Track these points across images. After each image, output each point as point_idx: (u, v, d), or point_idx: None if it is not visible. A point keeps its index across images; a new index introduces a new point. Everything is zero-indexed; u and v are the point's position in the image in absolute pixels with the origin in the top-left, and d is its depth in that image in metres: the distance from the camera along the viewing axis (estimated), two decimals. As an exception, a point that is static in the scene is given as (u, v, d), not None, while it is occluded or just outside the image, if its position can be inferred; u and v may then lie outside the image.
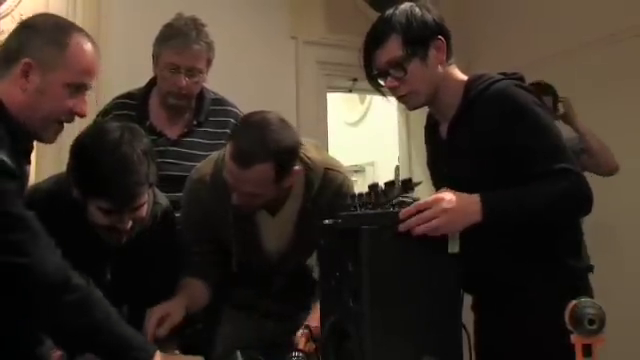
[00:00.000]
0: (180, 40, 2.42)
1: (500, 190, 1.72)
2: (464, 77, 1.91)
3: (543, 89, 3.38)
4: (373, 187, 1.70)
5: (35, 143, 1.79)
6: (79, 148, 1.89)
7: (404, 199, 1.67)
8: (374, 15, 4.46)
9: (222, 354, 2.12)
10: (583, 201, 1.77)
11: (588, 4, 3.95)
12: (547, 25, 4.16)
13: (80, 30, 1.76)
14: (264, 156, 1.89)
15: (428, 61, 1.84)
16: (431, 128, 2.03)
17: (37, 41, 1.68)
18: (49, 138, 1.76)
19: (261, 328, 2.25)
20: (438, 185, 1.90)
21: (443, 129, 1.95)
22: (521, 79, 1.88)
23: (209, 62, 2.51)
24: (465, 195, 1.69)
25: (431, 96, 1.87)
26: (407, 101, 1.89)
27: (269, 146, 1.89)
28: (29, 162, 1.78)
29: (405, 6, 1.86)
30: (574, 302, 1.47)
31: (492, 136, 1.77)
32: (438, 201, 1.65)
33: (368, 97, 6.18)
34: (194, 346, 2.27)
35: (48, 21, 1.76)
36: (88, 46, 1.73)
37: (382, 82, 1.89)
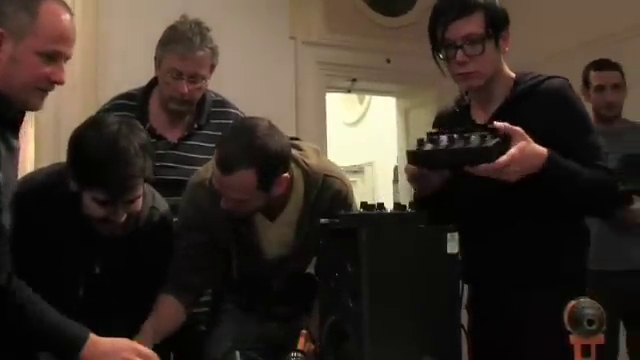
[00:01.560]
0: (184, 45, 2.38)
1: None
2: (512, 73, 1.94)
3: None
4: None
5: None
6: (77, 139, 1.89)
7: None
8: (373, 15, 4.57)
9: (222, 355, 2.12)
10: (615, 198, 1.92)
11: (588, 4, 3.95)
12: (547, 25, 4.16)
13: None
14: (246, 162, 1.88)
15: (499, 47, 1.87)
16: (462, 110, 2.01)
17: (8, 9, 1.66)
18: (34, 105, 1.74)
19: (262, 329, 2.24)
20: None
21: (478, 115, 1.95)
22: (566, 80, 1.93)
23: (212, 67, 2.47)
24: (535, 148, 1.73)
25: (490, 80, 1.88)
26: (469, 79, 1.88)
27: (252, 153, 1.89)
28: (17, 136, 1.77)
29: None
30: (573, 302, 1.47)
31: (540, 127, 1.79)
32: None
33: (367, 97, 6.19)
34: (195, 346, 2.28)
35: None
36: (61, 13, 1.71)
37: (442, 54, 1.88)
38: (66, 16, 1.72)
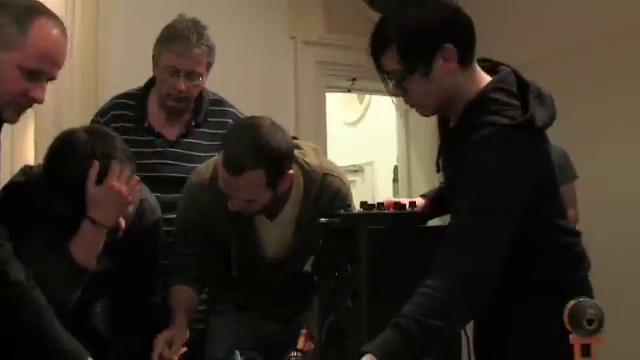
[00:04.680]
0: (181, 43, 2.40)
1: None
2: (483, 81, 1.67)
3: None
4: None
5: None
6: (57, 171, 1.84)
7: None
8: (373, 15, 4.57)
9: (222, 354, 2.12)
10: (471, 299, 1.52)
11: (588, 3, 3.94)
12: (546, 23, 4.16)
13: (50, 15, 1.68)
14: (254, 163, 1.90)
15: (432, 75, 1.61)
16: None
17: (1, 20, 1.62)
18: (9, 118, 1.70)
19: (261, 329, 2.25)
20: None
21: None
22: (530, 121, 1.58)
23: (209, 65, 2.49)
24: None
25: (442, 105, 1.68)
26: (417, 109, 1.73)
27: (259, 152, 1.90)
28: None
29: (406, 10, 1.62)
30: (573, 302, 1.47)
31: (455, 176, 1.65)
32: None
33: (367, 97, 6.18)
34: (193, 346, 2.28)
35: (19, 1, 1.68)
36: (52, 32, 1.65)
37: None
38: (57, 36, 1.66)
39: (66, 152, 1.84)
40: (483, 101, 1.63)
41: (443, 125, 1.80)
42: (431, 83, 1.62)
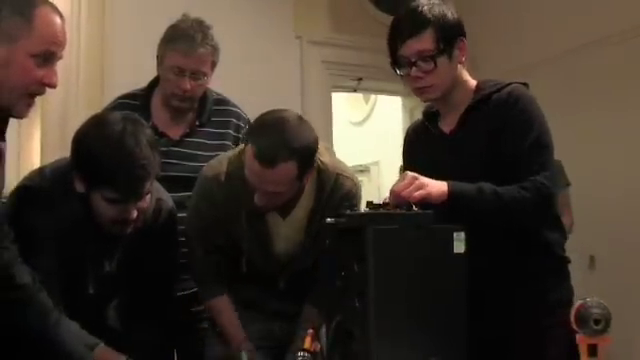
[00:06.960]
0: (185, 43, 2.41)
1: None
2: (473, 82, 2.01)
3: None
4: None
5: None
6: (82, 141, 1.89)
7: None
8: (379, 15, 4.57)
9: (227, 354, 2.12)
10: (536, 217, 1.87)
11: (588, 4, 3.93)
12: (546, 26, 4.15)
13: (46, 2, 1.75)
14: (288, 154, 1.90)
15: (453, 59, 1.94)
16: (430, 120, 2.09)
17: (2, 13, 1.66)
18: (20, 112, 1.73)
19: (268, 328, 2.25)
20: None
21: (445, 123, 2.02)
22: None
23: (214, 65, 2.50)
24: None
25: (447, 92, 1.96)
26: (425, 93, 1.97)
27: (292, 144, 1.91)
28: (3, 139, 1.77)
29: (439, 3, 1.94)
30: (580, 302, 1.47)
31: (494, 130, 1.88)
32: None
33: (373, 97, 6.19)
34: (199, 345, 2.29)
35: None
36: (55, 17, 1.72)
37: (400, 71, 1.96)
38: (59, 20, 1.73)
39: (96, 131, 1.89)
40: (487, 80, 2.00)
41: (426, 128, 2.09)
42: (452, 66, 1.95)
